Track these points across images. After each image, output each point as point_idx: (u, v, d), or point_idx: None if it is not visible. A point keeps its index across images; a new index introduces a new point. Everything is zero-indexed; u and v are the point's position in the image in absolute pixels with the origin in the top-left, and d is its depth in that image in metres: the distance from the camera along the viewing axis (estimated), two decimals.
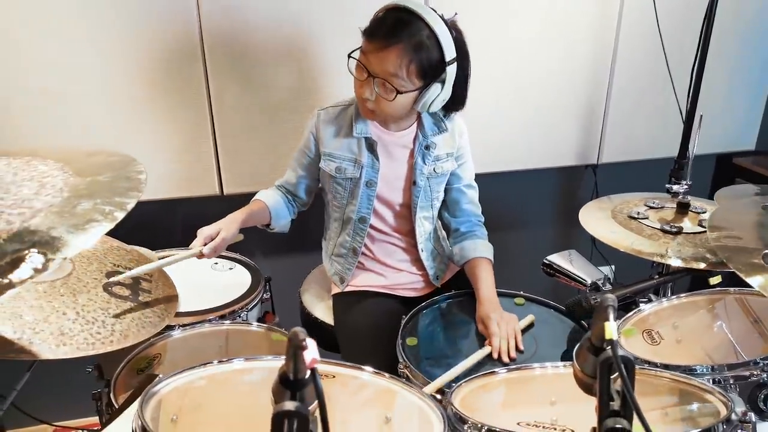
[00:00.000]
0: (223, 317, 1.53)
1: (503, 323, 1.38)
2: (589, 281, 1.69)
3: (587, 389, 0.79)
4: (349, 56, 1.39)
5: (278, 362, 1.06)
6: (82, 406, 2.09)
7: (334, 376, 1.06)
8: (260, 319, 1.68)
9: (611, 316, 0.62)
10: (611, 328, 0.60)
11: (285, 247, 2.20)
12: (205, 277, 1.74)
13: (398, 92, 1.35)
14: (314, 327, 1.69)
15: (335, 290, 1.67)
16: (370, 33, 1.36)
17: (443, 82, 1.37)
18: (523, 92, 2.14)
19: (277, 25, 1.83)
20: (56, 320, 1.06)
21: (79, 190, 0.76)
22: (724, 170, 2.58)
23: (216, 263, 1.81)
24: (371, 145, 1.49)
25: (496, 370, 1.13)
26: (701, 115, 1.48)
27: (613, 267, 2.51)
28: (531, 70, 2.12)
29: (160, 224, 2.05)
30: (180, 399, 0.94)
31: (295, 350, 0.61)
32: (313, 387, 0.68)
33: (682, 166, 1.87)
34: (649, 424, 0.64)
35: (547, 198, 2.52)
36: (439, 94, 1.38)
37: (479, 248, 1.56)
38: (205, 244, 1.39)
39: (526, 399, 1.13)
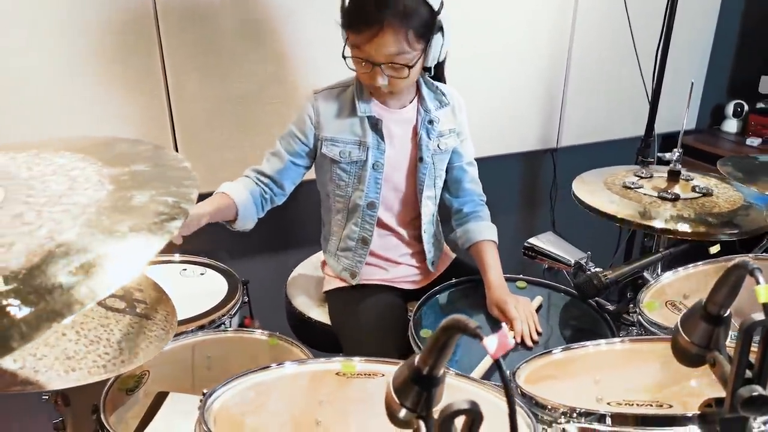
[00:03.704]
0: (202, 327, 1.40)
1: (520, 307, 1.36)
2: (572, 261, 1.69)
3: (690, 360, 0.76)
4: (344, 57, 1.31)
5: (324, 365, 0.97)
6: None
7: (383, 375, 0.98)
8: (240, 324, 1.56)
9: (761, 279, 0.59)
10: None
11: (257, 247, 2.07)
12: (175, 284, 1.57)
13: (409, 67, 1.29)
14: (306, 327, 1.59)
15: (329, 287, 1.57)
16: (352, 24, 1.28)
17: (442, 30, 1.32)
18: (486, 77, 2.13)
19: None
20: (56, 342, 0.90)
21: (124, 182, 0.62)
22: (671, 148, 2.69)
23: (185, 269, 1.65)
24: (375, 125, 1.41)
25: (551, 350, 1.10)
26: (692, 83, 1.53)
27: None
28: (494, 54, 2.11)
29: None
30: (227, 414, 0.83)
31: (445, 342, 0.53)
32: (443, 388, 0.60)
33: (648, 144, 1.93)
34: None
35: (510, 183, 2.53)
36: (442, 43, 1.34)
37: (484, 231, 1.52)
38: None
39: (572, 379, 1.10)
